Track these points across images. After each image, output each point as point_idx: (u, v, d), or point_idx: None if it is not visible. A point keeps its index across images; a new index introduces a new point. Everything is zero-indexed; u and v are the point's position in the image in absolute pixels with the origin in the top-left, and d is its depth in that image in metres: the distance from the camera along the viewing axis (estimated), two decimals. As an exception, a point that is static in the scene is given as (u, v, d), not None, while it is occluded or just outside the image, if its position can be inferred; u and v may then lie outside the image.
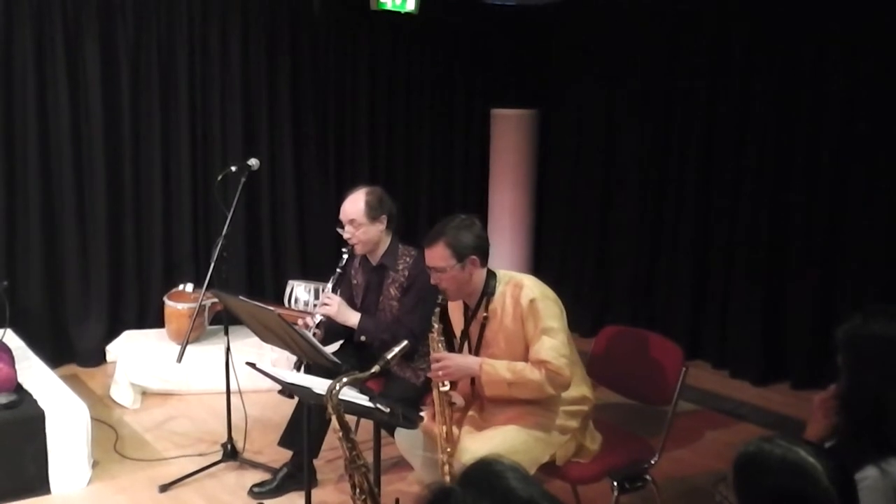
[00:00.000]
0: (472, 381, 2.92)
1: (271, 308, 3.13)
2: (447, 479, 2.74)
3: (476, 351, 2.91)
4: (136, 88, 5.10)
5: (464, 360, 2.86)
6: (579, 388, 2.89)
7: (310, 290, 5.10)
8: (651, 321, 5.56)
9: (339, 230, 3.55)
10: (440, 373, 2.80)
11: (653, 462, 3.00)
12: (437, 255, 2.84)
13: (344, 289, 3.67)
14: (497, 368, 2.78)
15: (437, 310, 2.90)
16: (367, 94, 6.00)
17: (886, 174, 4.48)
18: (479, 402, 2.98)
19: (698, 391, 4.84)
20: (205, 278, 3.71)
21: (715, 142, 5.31)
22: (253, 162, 3.91)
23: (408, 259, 3.53)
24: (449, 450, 2.77)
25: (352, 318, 3.48)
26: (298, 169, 5.75)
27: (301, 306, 5.04)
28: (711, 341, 5.40)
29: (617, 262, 5.96)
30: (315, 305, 4.97)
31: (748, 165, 5.11)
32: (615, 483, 2.92)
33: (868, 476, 1.73)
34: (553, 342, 2.75)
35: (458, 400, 2.99)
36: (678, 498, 3.59)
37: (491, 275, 2.91)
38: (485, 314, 2.89)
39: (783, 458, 1.46)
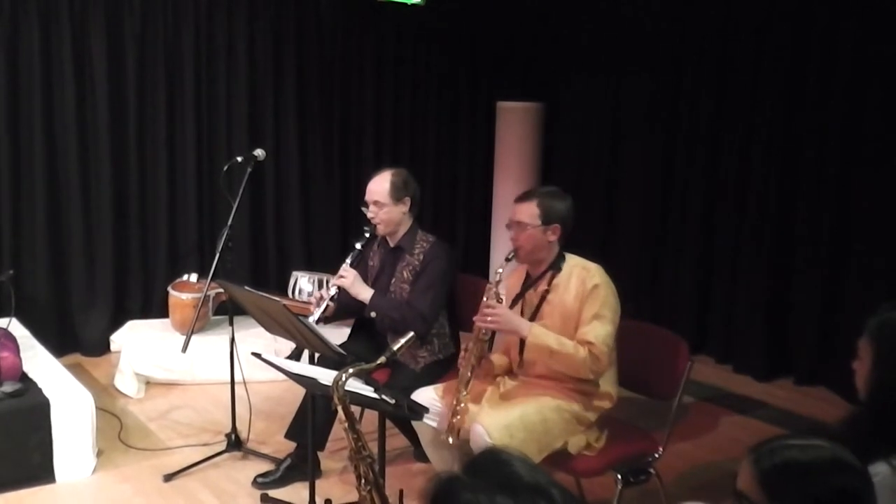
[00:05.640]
0: (522, 349, 2.94)
1: (276, 298, 3.14)
2: (456, 420, 2.81)
3: (530, 319, 2.93)
4: (141, 80, 5.10)
5: (516, 317, 2.88)
6: (610, 386, 2.94)
7: (313, 282, 5.10)
8: (656, 315, 5.56)
9: (364, 209, 3.57)
10: (489, 318, 2.80)
11: (657, 456, 3.00)
12: (526, 211, 2.90)
13: (360, 269, 3.67)
14: (546, 336, 2.79)
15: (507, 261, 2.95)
16: (373, 87, 5.98)
17: (893, 171, 4.46)
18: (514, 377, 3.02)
19: (702, 386, 4.84)
20: (209, 269, 3.70)
21: (722, 135, 5.29)
22: (259, 152, 3.90)
23: (424, 244, 3.55)
24: (465, 393, 2.82)
25: (364, 292, 3.49)
26: (303, 160, 5.75)
27: (305, 297, 5.04)
28: (716, 336, 5.40)
29: (622, 255, 5.95)
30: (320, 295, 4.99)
31: (754, 160, 5.10)
32: (619, 476, 2.92)
33: (878, 472, 1.65)
34: (604, 329, 2.80)
35: (498, 360, 3.03)
36: (682, 491, 3.58)
37: (561, 255, 2.97)
38: (546, 287, 2.92)
39: (816, 459, 1.35)
